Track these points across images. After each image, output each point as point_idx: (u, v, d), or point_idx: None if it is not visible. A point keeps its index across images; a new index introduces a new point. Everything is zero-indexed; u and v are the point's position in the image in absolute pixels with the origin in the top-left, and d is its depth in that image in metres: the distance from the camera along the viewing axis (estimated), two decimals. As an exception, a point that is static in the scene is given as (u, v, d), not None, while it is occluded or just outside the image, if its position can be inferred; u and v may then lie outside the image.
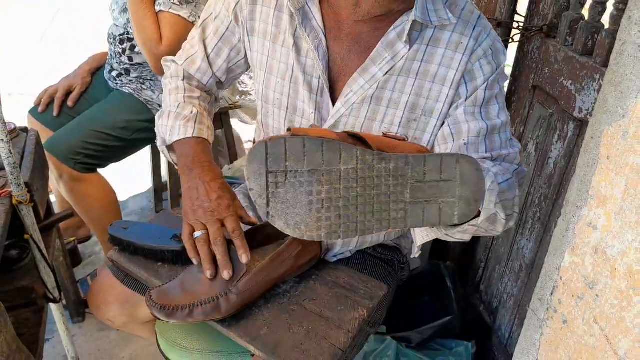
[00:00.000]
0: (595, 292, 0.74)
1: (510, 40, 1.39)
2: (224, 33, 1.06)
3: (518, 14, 1.40)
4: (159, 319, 0.92)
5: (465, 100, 0.91)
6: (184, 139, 1.02)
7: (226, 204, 0.96)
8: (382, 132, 0.80)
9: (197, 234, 0.93)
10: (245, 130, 2.99)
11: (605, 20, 1.09)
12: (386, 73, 0.90)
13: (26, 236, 1.17)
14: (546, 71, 1.26)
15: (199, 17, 1.59)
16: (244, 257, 0.92)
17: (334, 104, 0.95)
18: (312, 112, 0.97)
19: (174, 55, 1.55)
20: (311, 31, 0.93)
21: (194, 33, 1.12)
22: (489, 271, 1.62)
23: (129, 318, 1.15)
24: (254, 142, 2.59)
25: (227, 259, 0.91)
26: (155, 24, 1.56)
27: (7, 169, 1.10)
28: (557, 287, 0.83)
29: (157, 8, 1.57)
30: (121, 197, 1.90)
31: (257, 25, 1.00)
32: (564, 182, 1.20)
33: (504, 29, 1.38)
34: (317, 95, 0.96)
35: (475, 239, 1.69)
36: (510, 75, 1.41)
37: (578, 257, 0.77)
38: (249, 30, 1.02)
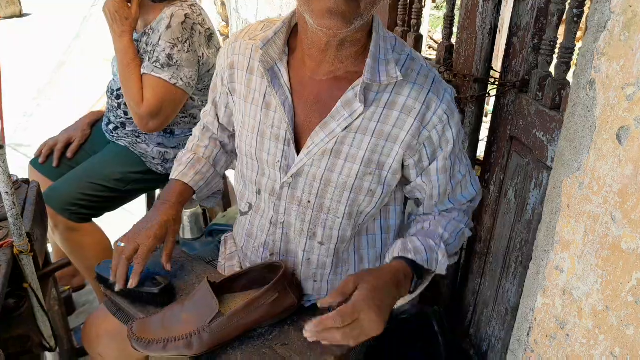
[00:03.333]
0: (566, 332, 0.79)
1: (487, 95, 1.49)
2: (220, 94, 1.20)
3: (494, 69, 1.50)
4: (137, 350, 1.00)
5: (430, 165, 1.04)
6: (172, 179, 1.24)
7: (148, 234, 1.11)
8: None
9: (119, 243, 1.11)
10: (238, 178, 3.04)
11: (571, 76, 1.18)
12: (344, 129, 0.99)
13: (25, 285, 1.21)
14: (521, 123, 1.34)
15: (181, 79, 1.67)
16: (132, 282, 1.08)
17: (298, 154, 1.04)
18: (278, 161, 1.05)
19: (155, 114, 1.67)
20: (279, 89, 1.02)
21: None
22: (478, 315, 1.65)
23: (120, 353, 1.19)
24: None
25: (123, 272, 1.08)
26: (138, 85, 1.65)
27: (10, 220, 1.15)
28: (532, 328, 0.87)
29: (142, 71, 1.67)
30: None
31: (236, 86, 1.12)
32: (542, 227, 1.27)
33: (480, 84, 1.47)
34: (284, 145, 1.04)
35: (463, 284, 1.73)
36: (489, 126, 1.50)
37: (549, 299, 0.82)
38: (230, 91, 1.15)
